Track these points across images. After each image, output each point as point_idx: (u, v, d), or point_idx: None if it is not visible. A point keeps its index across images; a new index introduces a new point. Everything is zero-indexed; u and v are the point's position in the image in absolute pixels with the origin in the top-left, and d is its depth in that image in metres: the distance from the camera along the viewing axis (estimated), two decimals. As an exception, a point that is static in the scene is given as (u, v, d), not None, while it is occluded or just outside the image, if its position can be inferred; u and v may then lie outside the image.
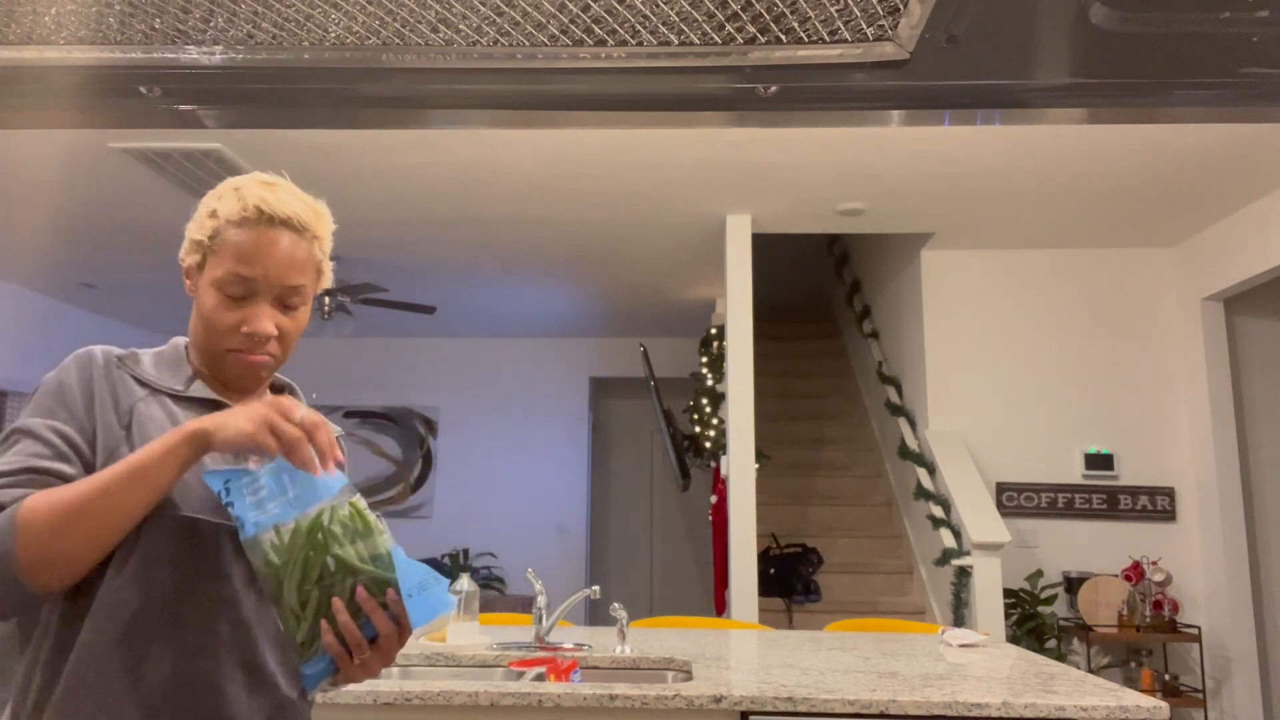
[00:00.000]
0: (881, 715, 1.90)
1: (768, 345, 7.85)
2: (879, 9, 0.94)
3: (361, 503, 1.07)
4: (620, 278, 6.40)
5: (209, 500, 1.11)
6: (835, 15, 0.95)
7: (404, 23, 0.97)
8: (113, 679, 1.03)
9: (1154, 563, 4.97)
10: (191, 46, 1.02)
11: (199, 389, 1.18)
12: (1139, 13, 0.91)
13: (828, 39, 0.99)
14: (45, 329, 6.95)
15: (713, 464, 6.06)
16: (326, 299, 5.59)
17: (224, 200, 1.14)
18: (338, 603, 1.00)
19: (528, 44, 1.01)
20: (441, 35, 0.99)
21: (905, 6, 0.94)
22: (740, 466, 4.68)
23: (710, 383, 6.07)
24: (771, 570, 5.53)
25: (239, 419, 1.02)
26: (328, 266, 1.22)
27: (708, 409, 6.07)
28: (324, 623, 1.01)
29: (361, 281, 6.19)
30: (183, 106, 1.12)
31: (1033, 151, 4.11)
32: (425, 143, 4.11)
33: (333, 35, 1.00)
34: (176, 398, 1.16)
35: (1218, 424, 5.01)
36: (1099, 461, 5.18)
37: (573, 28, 0.98)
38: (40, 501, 1.00)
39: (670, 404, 8.21)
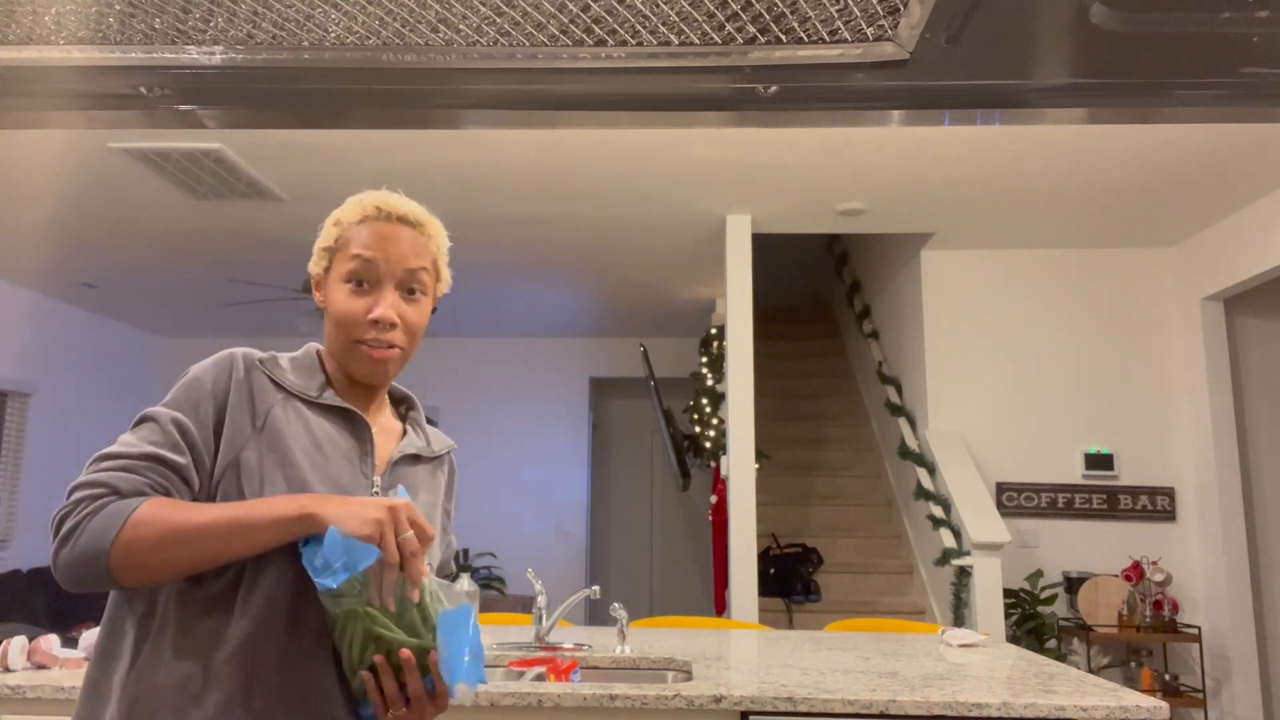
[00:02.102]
0: (881, 715, 1.90)
1: (768, 345, 7.85)
2: (879, 9, 0.94)
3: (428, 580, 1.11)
4: (620, 278, 6.40)
5: None
6: (835, 15, 0.95)
7: (404, 23, 0.97)
8: (237, 678, 1.08)
9: (1154, 563, 4.97)
10: (191, 46, 1.02)
11: (330, 397, 1.24)
12: (1139, 13, 0.91)
13: (828, 39, 0.99)
14: (45, 329, 6.95)
15: (713, 464, 6.05)
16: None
17: (346, 209, 1.26)
18: (380, 661, 1.07)
19: (528, 44, 1.01)
20: (441, 35, 0.99)
21: (905, 6, 0.94)
22: (740, 466, 4.68)
23: (710, 383, 6.07)
24: (771, 570, 5.53)
25: (354, 520, 1.06)
26: (446, 272, 1.31)
27: (708, 409, 6.07)
28: (363, 674, 1.07)
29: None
30: (183, 106, 1.13)
31: (1033, 151, 4.11)
32: (425, 143, 4.11)
33: (333, 35, 1.00)
34: (310, 403, 1.23)
35: (1218, 424, 5.01)
36: (1099, 461, 5.17)
37: (573, 28, 0.98)
38: (154, 517, 1.05)
39: (670, 404, 8.21)
